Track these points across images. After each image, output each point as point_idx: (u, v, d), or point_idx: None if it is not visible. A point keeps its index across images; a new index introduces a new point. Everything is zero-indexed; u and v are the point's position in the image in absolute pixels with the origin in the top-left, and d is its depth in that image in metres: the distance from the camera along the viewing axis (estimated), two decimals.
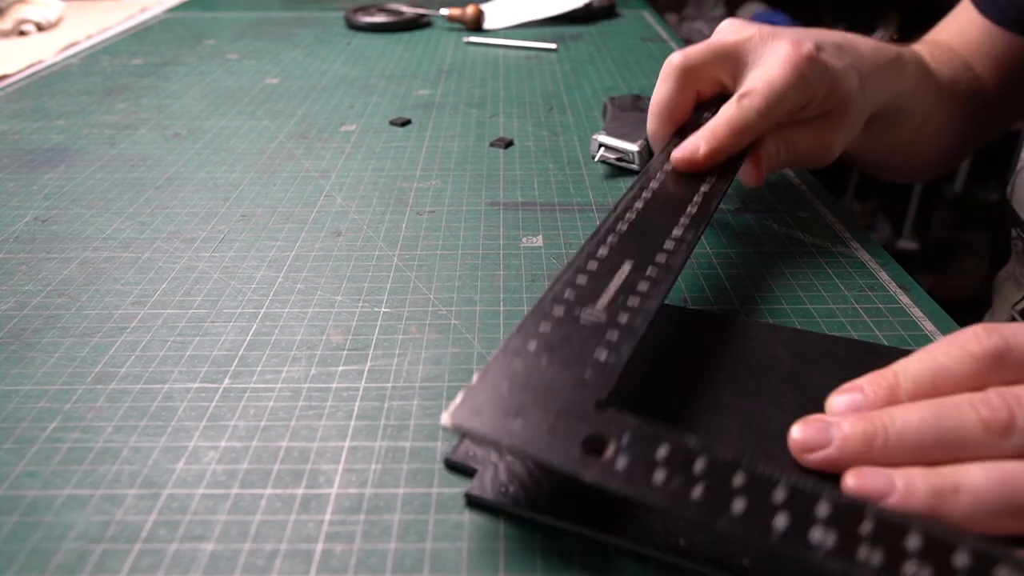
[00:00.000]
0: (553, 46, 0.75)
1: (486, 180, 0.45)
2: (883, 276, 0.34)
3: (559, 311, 0.25)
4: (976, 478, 0.19)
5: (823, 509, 0.18)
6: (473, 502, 0.23)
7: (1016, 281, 0.46)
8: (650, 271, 0.27)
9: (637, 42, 0.78)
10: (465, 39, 0.78)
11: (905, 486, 0.19)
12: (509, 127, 0.54)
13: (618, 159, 0.46)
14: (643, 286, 0.26)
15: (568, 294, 0.26)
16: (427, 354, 0.30)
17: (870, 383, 0.22)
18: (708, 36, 0.40)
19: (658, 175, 0.34)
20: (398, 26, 0.83)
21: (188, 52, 0.74)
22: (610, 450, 0.20)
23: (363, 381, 0.28)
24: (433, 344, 0.30)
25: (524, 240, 0.38)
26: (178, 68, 0.69)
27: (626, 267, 0.27)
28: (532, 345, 0.23)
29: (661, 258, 0.28)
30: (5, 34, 0.82)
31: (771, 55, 0.35)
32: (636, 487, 0.19)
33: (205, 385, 0.28)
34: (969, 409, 0.20)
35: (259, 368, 0.29)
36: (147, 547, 0.21)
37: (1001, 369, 0.21)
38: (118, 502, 0.23)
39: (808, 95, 0.35)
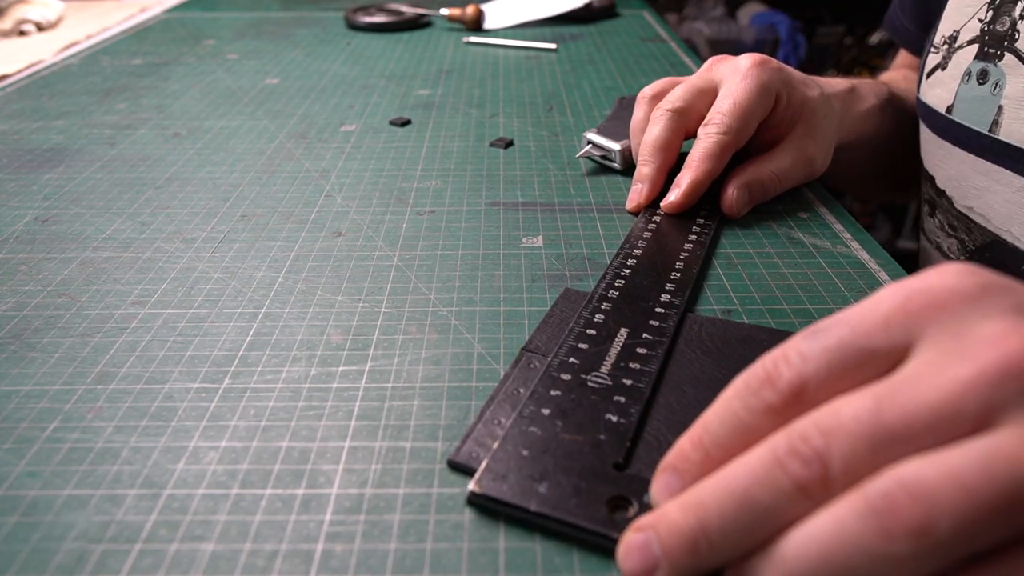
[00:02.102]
0: (553, 46, 0.75)
1: (486, 180, 0.45)
2: (883, 276, 0.34)
3: (567, 377, 0.27)
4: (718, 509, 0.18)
5: None
6: (474, 502, 0.23)
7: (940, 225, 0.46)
8: (645, 336, 0.29)
9: (637, 42, 0.78)
10: (465, 39, 0.78)
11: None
12: (509, 127, 0.54)
13: (602, 157, 0.46)
14: (641, 350, 0.28)
15: (573, 360, 0.27)
16: (427, 354, 0.30)
17: (681, 459, 0.20)
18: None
19: (639, 242, 0.36)
20: (398, 26, 0.83)
21: (188, 52, 0.74)
22: (632, 509, 0.21)
23: (363, 381, 0.28)
24: (433, 344, 0.30)
25: (524, 240, 0.38)
26: (178, 68, 0.69)
27: (623, 333, 0.29)
28: (546, 410, 0.25)
29: (654, 323, 0.30)
30: (5, 34, 0.82)
31: (732, 74, 0.40)
32: None
33: (205, 385, 0.28)
34: (781, 475, 0.17)
35: (259, 368, 0.29)
36: (147, 547, 0.21)
37: (801, 405, 0.19)
38: (118, 502, 0.23)
39: (771, 97, 0.39)
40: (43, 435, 0.26)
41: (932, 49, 0.45)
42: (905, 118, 0.52)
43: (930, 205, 0.47)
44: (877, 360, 0.19)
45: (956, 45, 0.43)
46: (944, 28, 0.44)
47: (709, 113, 0.39)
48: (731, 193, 0.39)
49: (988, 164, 0.40)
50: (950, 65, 0.43)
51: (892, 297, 0.19)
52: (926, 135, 0.46)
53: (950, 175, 0.43)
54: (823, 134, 0.42)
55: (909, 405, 0.17)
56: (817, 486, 0.17)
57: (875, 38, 2.03)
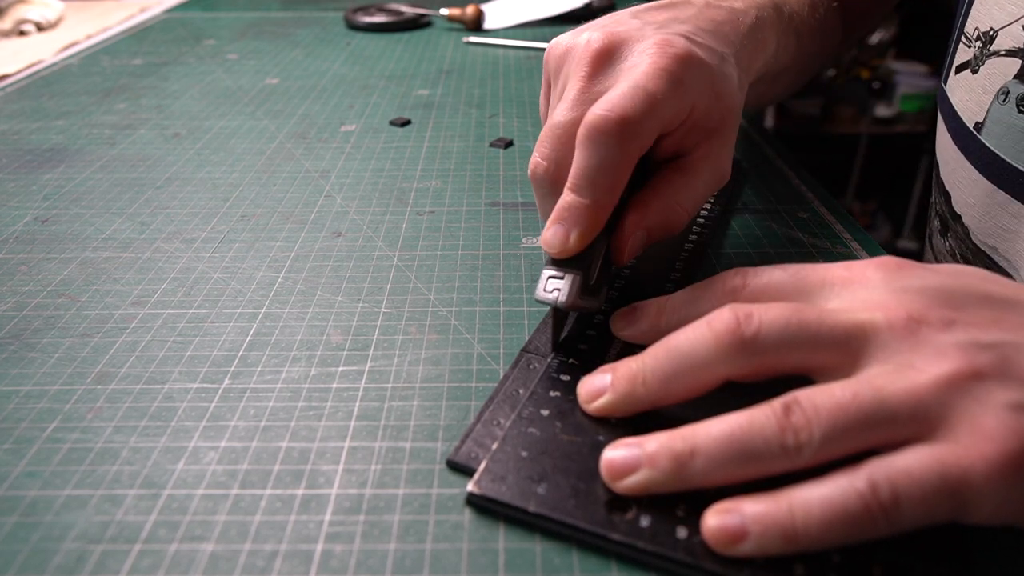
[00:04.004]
0: None
1: (486, 180, 0.45)
2: None
3: (566, 378, 0.27)
4: (707, 438, 0.21)
5: (836, 556, 0.20)
6: (473, 502, 0.23)
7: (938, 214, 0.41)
8: None
9: None
10: (465, 39, 0.78)
11: (650, 458, 0.21)
12: (509, 127, 0.54)
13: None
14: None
15: (572, 361, 0.27)
16: (427, 354, 0.30)
17: (644, 310, 0.28)
18: None
19: None
20: (398, 26, 0.83)
21: (188, 52, 0.74)
22: (632, 510, 0.21)
23: (363, 381, 0.28)
24: (433, 344, 0.30)
25: (524, 240, 0.38)
26: (178, 68, 0.69)
27: None
28: (545, 412, 0.25)
29: None
30: (5, 34, 0.82)
31: (640, 55, 0.29)
32: (662, 544, 0.21)
33: (205, 385, 0.28)
34: (768, 419, 0.21)
35: (259, 368, 0.29)
36: (147, 547, 0.21)
37: (735, 299, 0.25)
38: (118, 502, 0.23)
39: (684, 105, 0.29)
40: (43, 435, 0.26)
41: (963, 40, 0.37)
42: (796, 38, 0.42)
43: (942, 222, 0.41)
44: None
45: (993, 49, 0.34)
46: (979, 18, 0.35)
47: (606, 99, 0.28)
48: (626, 238, 0.29)
49: (1023, 207, 0.33)
50: (982, 71, 0.35)
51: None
52: (945, 140, 0.39)
53: (970, 202, 0.36)
54: (735, 132, 0.32)
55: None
56: (801, 440, 0.20)
57: (875, 38, 2.03)
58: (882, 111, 2.09)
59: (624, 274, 0.33)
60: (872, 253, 0.36)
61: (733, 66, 0.32)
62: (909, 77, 2.06)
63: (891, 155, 2.08)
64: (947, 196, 0.39)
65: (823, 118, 2.11)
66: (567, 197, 0.27)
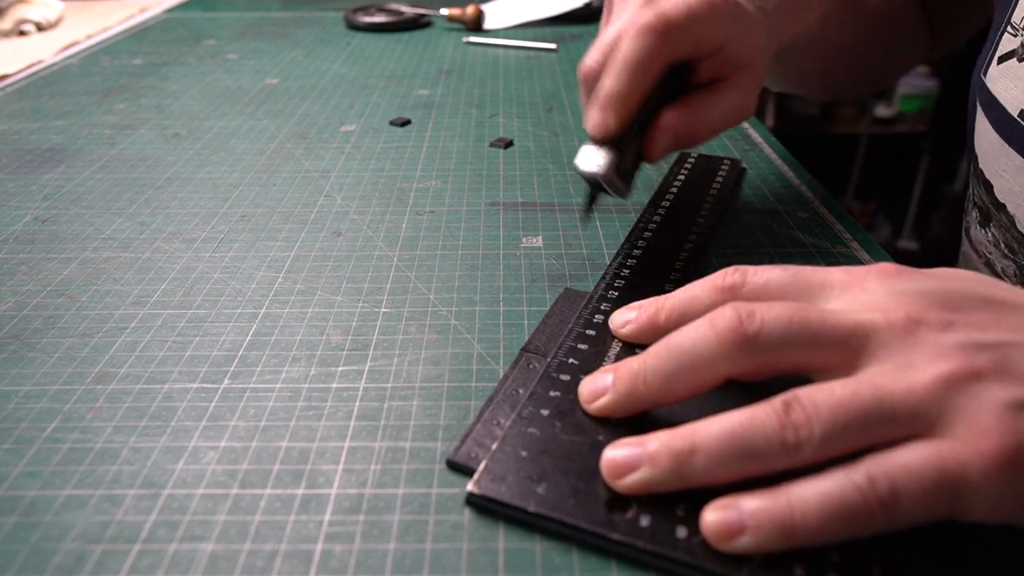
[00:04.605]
0: (553, 46, 0.75)
1: (486, 180, 0.45)
2: None
3: (566, 377, 0.27)
4: (707, 436, 0.21)
5: (835, 556, 0.20)
6: (473, 502, 0.23)
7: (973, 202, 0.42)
8: None
9: None
10: (465, 39, 0.78)
11: (650, 457, 0.22)
12: (509, 127, 0.54)
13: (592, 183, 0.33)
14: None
15: (572, 360, 0.27)
16: (427, 354, 0.30)
17: (643, 308, 0.27)
18: None
19: (639, 242, 0.36)
20: (398, 26, 0.83)
21: (188, 52, 0.74)
22: (632, 510, 0.21)
23: (363, 381, 0.28)
24: (433, 344, 0.30)
25: (524, 240, 0.38)
26: (178, 68, 0.69)
27: None
28: (545, 411, 0.25)
29: None
30: (5, 34, 0.82)
31: None
32: (661, 543, 0.21)
33: (205, 385, 0.28)
34: (769, 416, 0.21)
35: (259, 368, 0.29)
36: (147, 547, 0.21)
37: (735, 297, 0.25)
38: (118, 502, 0.23)
39: (718, 33, 0.33)
40: (42, 435, 0.26)
41: (1009, 29, 0.37)
42: (856, 15, 0.45)
43: (982, 213, 0.41)
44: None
45: None
46: None
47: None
48: (656, 139, 0.33)
49: None
50: None
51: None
52: (985, 130, 0.39)
53: (1015, 190, 0.37)
54: (761, 78, 0.36)
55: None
56: (801, 437, 0.21)
57: None
58: (882, 111, 2.09)
59: (624, 275, 0.33)
60: (872, 253, 0.36)
61: (762, 11, 0.35)
62: (909, 77, 2.06)
63: (891, 155, 2.08)
64: (988, 186, 0.40)
65: (823, 118, 2.11)
66: (602, 82, 0.31)
